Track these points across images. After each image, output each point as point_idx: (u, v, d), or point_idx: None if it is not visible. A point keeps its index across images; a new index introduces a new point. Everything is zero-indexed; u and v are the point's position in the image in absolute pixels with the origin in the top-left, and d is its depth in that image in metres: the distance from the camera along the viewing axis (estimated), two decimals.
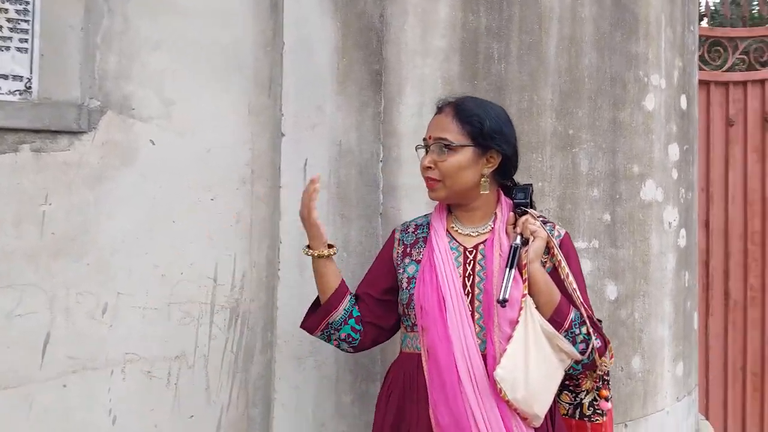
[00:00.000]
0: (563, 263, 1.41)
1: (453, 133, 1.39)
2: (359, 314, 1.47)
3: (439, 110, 1.46)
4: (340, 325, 1.44)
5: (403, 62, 1.90)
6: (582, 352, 1.38)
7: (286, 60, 1.75)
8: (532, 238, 1.38)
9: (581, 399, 1.43)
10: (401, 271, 1.47)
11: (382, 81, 1.88)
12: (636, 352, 2.24)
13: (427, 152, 1.43)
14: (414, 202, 1.86)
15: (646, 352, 2.26)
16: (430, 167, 1.41)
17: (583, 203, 2.16)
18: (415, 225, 1.53)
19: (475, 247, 1.43)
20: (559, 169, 2.11)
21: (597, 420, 1.42)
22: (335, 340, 1.46)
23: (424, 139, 1.45)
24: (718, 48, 3.89)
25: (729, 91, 3.81)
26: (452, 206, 1.49)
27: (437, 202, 1.50)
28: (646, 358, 2.26)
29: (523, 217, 1.42)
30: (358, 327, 1.45)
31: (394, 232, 1.56)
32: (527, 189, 1.47)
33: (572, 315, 1.38)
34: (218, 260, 1.72)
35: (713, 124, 3.79)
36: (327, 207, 1.75)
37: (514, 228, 1.42)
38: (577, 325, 1.38)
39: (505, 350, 1.31)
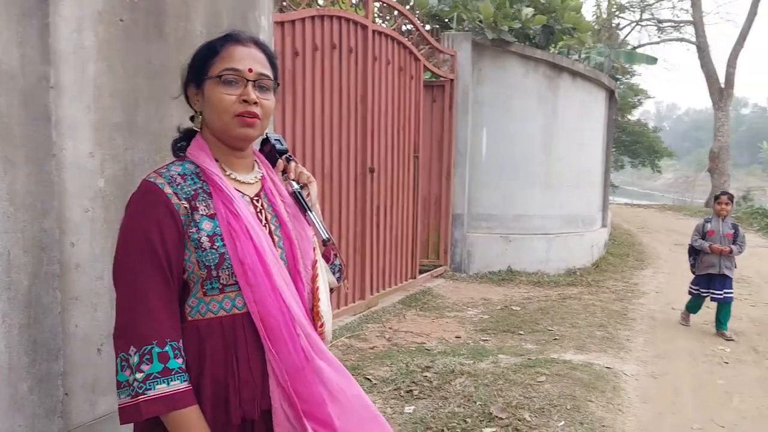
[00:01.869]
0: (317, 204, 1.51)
1: (269, 71, 1.33)
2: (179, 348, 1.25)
3: (241, 42, 1.32)
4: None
5: None
6: (338, 280, 1.55)
7: None
8: (307, 184, 1.45)
9: None
10: (194, 230, 1.26)
11: None
12: None
13: (249, 86, 1.30)
14: (78, 140, 1.52)
15: None
16: (256, 102, 1.29)
17: None
18: (179, 175, 1.29)
19: (257, 194, 1.38)
20: None
21: None
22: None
23: (237, 70, 1.29)
24: None
25: None
26: (225, 152, 1.35)
27: (197, 147, 1.33)
28: None
29: (293, 164, 1.46)
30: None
31: (153, 186, 1.26)
32: (280, 137, 1.47)
33: (333, 250, 1.53)
34: None
35: None
36: None
37: (283, 174, 1.44)
38: (335, 257, 1.55)
39: (317, 288, 1.38)
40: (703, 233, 5.46)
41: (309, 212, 1.41)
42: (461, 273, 7.43)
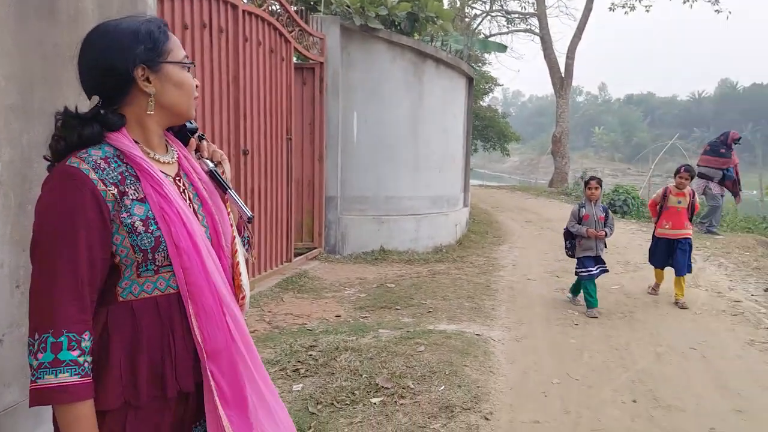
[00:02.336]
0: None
1: None
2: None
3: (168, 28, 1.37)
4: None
5: None
6: (247, 251, 1.61)
7: None
8: (221, 162, 1.51)
9: None
10: (125, 215, 1.25)
11: None
12: None
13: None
14: None
15: None
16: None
17: None
18: (102, 159, 1.25)
19: (178, 174, 1.40)
20: None
21: None
22: None
23: (186, 57, 1.36)
24: None
25: None
26: (152, 131, 1.35)
27: (120, 134, 1.30)
28: None
29: (205, 143, 1.50)
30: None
31: (77, 172, 1.21)
32: None
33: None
34: None
35: None
36: None
37: (196, 153, 1.48)
38: (245, 230, 1.61)
39: (237, 263, 1.45)
40: (579, 218, 5.54)
41: (229, 190, 1.45)
42: (336, 255, 7.57)
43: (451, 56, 8.34)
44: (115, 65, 1.27)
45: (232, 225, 1.48)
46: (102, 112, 1.29)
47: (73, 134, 1.26)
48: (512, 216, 12.31)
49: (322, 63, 7.29)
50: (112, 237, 1.24)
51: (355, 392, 3.52)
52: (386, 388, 3.62)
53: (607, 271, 5.72)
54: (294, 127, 7.08)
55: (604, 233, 5.52)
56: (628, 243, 9.26)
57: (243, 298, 1.45)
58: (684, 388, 3.83)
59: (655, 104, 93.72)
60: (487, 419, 3.30)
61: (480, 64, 26.39)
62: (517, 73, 35.83)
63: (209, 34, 5.01)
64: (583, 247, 5.55)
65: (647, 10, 20.38)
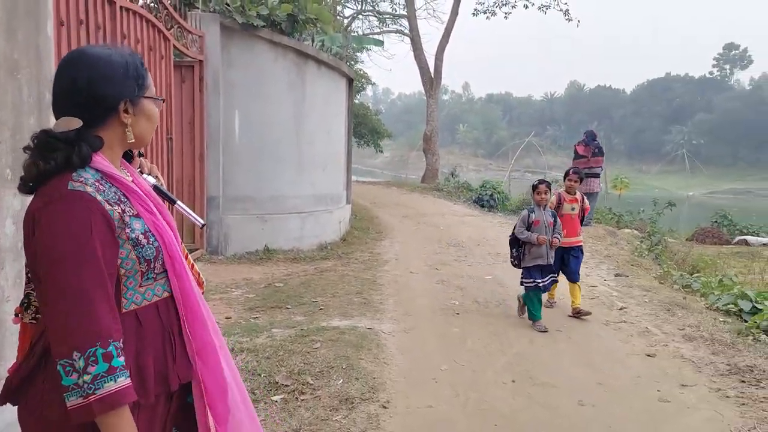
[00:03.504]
0: None
1: None
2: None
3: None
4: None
5: None
6: None
7: None
8: (158, 176, 1.65)
9: None
10: (128, 230, 1.37)
11: None
12: None
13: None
14: None
15: None
16: None
17: None
18: (95, 180, 1.35)
19: None
20: None
21: None
22: None
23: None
24: None
25: None
26: (113, 156, 1.44)
27: (99, 156, 1.39)
28: None
29: (144, 160, 1.63)
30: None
31: (86, 196, 1.30)
32: None
33: None
34: None
35: None
36: None
37: (138, 169, 1.59)
38: None
39: (192, 264, 1.62)
40: (528, 224, 5.21)
41: (177, 202, 1.58)
42: (219, 255, 7.47)
43: (332, 58, 8.51)
44: (105, 96, 1.36)
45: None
46: (81, 134, 1.35)
47: (58, 156, 1.31)
48: (390, 211, 12.75)
49: (201, 61, 7.15)
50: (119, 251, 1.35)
51: (256, 392, 3.60)
52: (286, 385, 3.73)
53: (557, 281, 5.49)
54: (174, 126, 6.91)
55: (556, 240, 5.23)
56: (497, 235, 9.99)
57: (202, 285, 1.63)
58: (555, 366, 4.31)
59: (512, 103, 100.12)
60: (385, 407, 3.52)
61: (354, 62, 26.87)
62: (389, 72, 36.78)
63: (86, 31, 4.77)
64: (532, 255, 5.19)
65: (506, 17, 21.80)
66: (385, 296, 6.00)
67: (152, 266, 1.41)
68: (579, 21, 21.34)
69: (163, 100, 1.57)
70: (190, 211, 1.59)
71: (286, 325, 4.91)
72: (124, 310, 1.36)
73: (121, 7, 5.28)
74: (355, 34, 22.46)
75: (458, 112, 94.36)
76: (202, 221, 1.61)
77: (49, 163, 1.30)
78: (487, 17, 21.98)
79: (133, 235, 1.37)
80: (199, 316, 1.47)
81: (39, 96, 2.55)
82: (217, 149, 7.36)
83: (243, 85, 7.45)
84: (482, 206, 14.34)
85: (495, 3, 21.67)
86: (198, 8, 7.42)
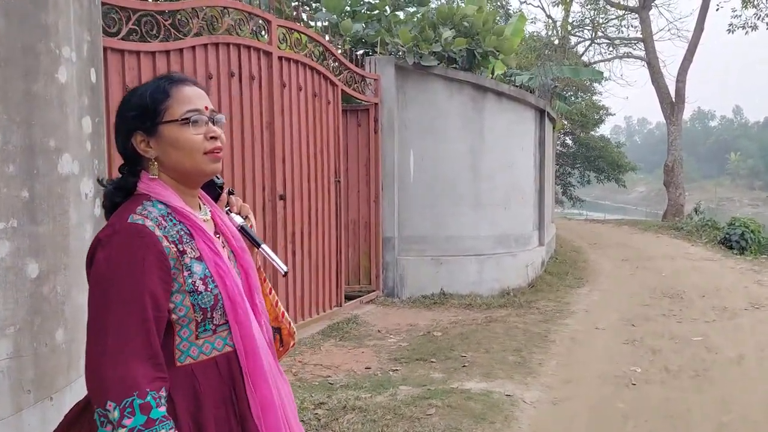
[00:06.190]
0: None
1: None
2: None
3: (183, 81, 1.37)
4: None
5: None
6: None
7: None
8: (249, 216, 1.54)
9: None
10: (186, 273, 1.28)
11: None
12: (60, 325, 2.29)
13: (209, 123, 1.36)
14: None
15: (69, 323, 2.34)
16: (218, 137, 1.36)
17: None
18: (160, 215, 1.29)
19: (216, 232, 1.42)
20: None
21: None
22: None
23: (198, 110, 1.34)
24: (113, 16, 4.08)
25: (125, 59, 4.07)
26: (182, 192, 1.36)
27: (162, 187, 1.33)
28: (69, 328, 2.34)
29: (235, 198, 1.53)
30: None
31: (144, 229, 1.23)
32: None
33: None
34: None
35: (111, 90, 3.98)
36: None
37: (226, 208, 1.51)
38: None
39: (282, 312, 1.58)
40: None
41: (261, 245, 1.48)
42: (394, 298, 7.30)
43: (515, 89, 7.91)
44: (120, 133, 1.34)
45: (264, 279, 1.54)
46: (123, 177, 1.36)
47: (112, 199, 1.34)
48: (608, 253, 11.38)
49: (377, 104, 7.18)
50: (171, 296, 1.25)
51: None
52: None
53: None
54: (348, 168, 7.00)
55: None
56: (733, 284, 8.17)
57: (293, 345, 1.61)
58: None
59: None
60: None
61: (588, 94, 25.35)
62: (626, 100, 33.97)
63: (238, 82, 5.05)
64: None
65: None
66: (550, 356, 5.15)
67: (209, 316, 1.30)
68: None
69: (194, 114, 1.34)
70: (275, 256, 1.47)
71: (418, 382, 4.45)
72: (178, 364, 1.27)
73: (279, 57, 5.52)
74: (583, 63, 21.17)
75: (729, 139, 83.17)
76: (285, 268, 1.47)
77: (106, 203, 1.34)
78: (746, 32, 18.95)
79: (190, 280, 1.28)
80: (261, 371, 1.35)
81: None
82: (392, 190, 7.27)
83: (417, 123, 7.29)
84: (730, 248, 12.01)
85: (755, 14, 18.62)
86: (377, 52, 7.52)
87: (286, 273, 1.48)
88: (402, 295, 7.33)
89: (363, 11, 8.37)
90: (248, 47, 5.15)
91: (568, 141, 25.04)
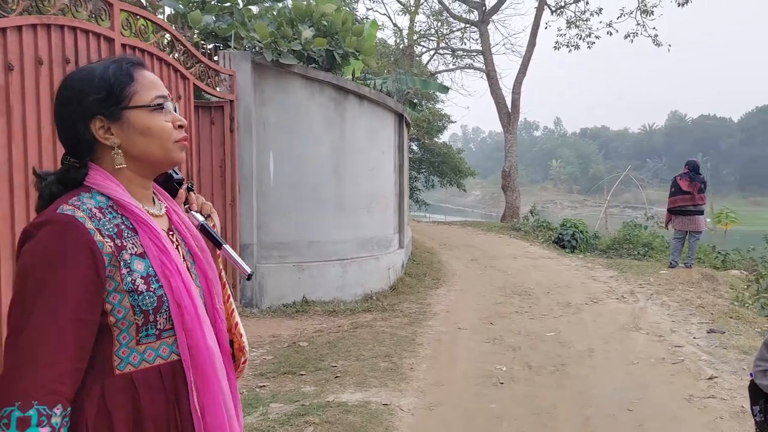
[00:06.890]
0: None
1: None
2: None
3: (142, 66, 1.26)
4: None
5: None
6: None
7: None
8: (210, 214, 1.44)
9: None
10: (125, 271, 1.15)
11: None
12: None
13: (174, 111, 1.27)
14: None
15: None
16: (185, 126, 1.29)
17: None
18: (96, 207, 1.16)
19: (170, 229, 1.31)
20: None
21: None
22: None
23: (164, 96, 1.25)
24: None
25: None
26: (136, 184, 1.24)
27: (104, 178, 1.20)
28: None
29: (195, 195, 1.43)
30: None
31: (72, 221, 1.10)
32: None
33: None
34: None
35: None
36: None
37: (185, 205, 1.41)
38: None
39: (236, 323, 1.41)
40: None
41: (224, 246, 1.37)
42: (253, 308, 6.89)
43: (376, 92, 7.89)
44: (71, 119, 1.19)
45: (225, 284, 1.39)
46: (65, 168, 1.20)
47: (49, 189, 1.20)
48: (457, 254, 11.82)
49: (232, 101, 6.75)
50: (108, 296, 1.13)
51: None
52: None
53: None
54: (201, 170, 6.51)
55: None
56: (570, 281, 8.84)
57: (244, 362, 1.42)
58: None
59: (609, 137, 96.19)
60: None
61: (432, 102, 26.48)
62: (467, 110, 36.11)
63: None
64: None
65: (589, 47, 20.58)
66: (420, 360, 5.13)
67: (152, 319, 1.17)
68: (670, 46, 19.86)
69: (164, 100, 1.22)
70: (237, 257, 1.37)
71: (290, 398, 4.18)
72: (117, 372, 1.15)
73: (123, 45, 4.93)
74: (428, 72, 22.06)
75: (551, 148, 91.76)
76: (249, 270, 1.37)
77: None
78: (569, 50, 20.89)
79: (129, 279, 1.15)
80: (211, 386, 1.21)
81: None
82: (250, 192, 6.88)
83: (277, 123, 6.97)
84: (563, 247, 13.08)
85: (577, 34, 20.57)
86: (230, 47, 7.09)
87: (250, 276, 1.39)
88: (261, 305, 6.95)
89: (213, 3, 7.85)
90: (87, 31, 4.52)
91: (414, 147, 25.96)
